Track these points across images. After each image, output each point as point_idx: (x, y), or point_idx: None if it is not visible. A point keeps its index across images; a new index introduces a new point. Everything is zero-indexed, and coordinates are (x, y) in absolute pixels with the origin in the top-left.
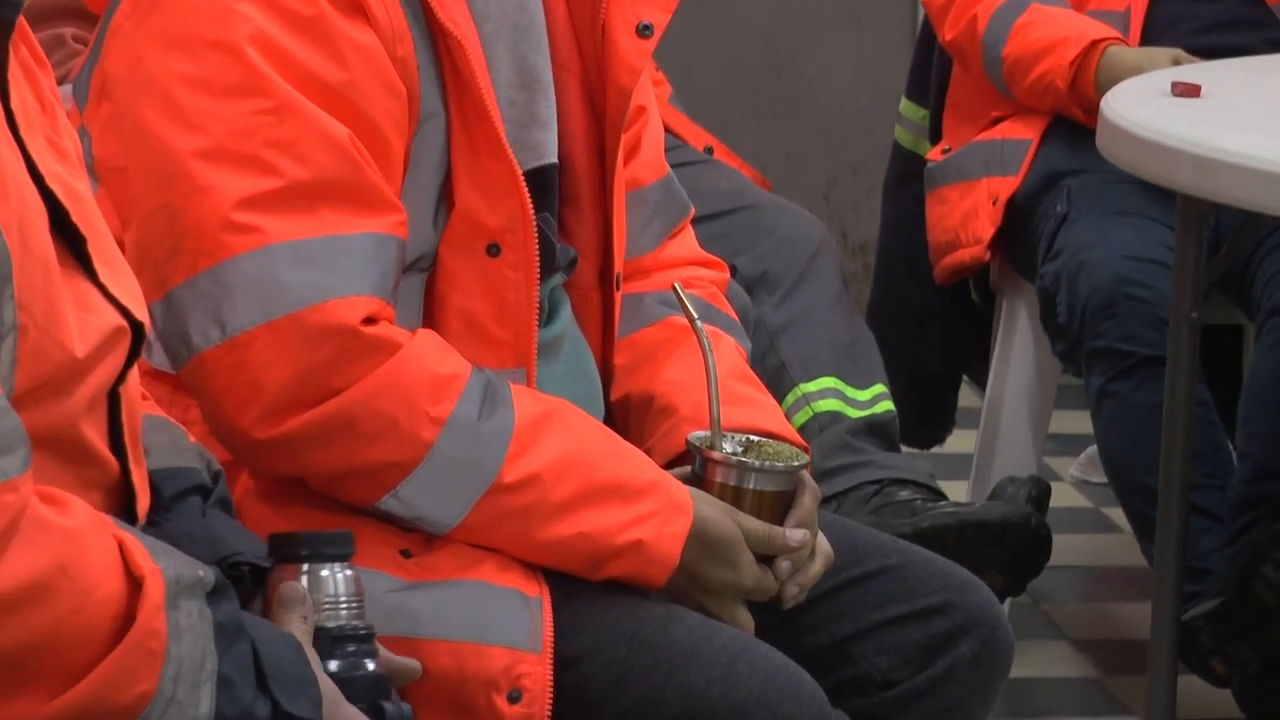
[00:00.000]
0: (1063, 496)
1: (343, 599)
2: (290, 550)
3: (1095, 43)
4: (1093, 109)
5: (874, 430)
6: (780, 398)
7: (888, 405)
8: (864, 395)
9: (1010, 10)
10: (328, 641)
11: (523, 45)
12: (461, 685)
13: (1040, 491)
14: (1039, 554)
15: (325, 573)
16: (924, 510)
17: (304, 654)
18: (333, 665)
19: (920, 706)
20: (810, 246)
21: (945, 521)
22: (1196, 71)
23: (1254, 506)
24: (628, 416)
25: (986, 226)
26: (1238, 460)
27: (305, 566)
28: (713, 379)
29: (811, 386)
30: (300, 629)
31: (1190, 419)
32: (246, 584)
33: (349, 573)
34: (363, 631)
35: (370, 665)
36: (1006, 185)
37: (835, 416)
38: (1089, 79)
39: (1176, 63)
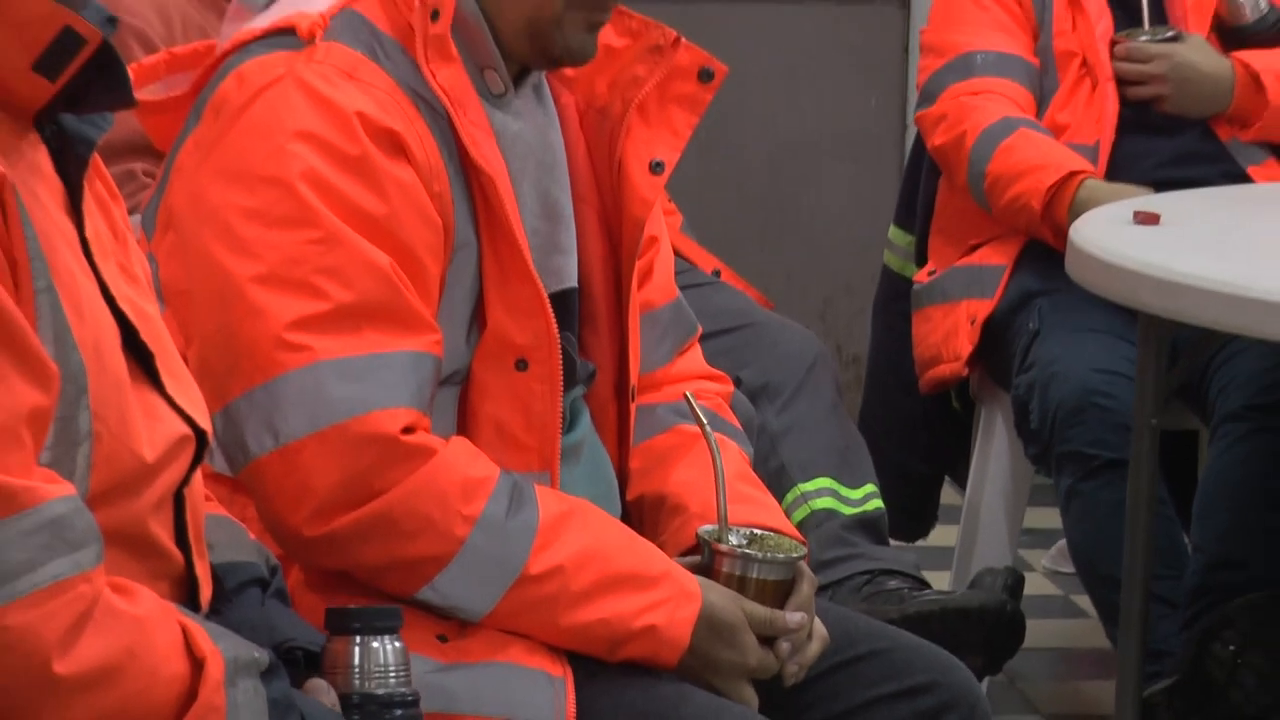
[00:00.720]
0: (1036, 585)
1: (392, 668)
2: (344, 623)
3: (1074, 173)
4: (1061, 232)
5: (865, 526)
6: (781, 496)
7: (878, 503)
8: (856, 494)
9: (999, 131)
10: (376, 706)
11: (546, 180)
12: None
13: (1015, 581)
14: (1014, 637)
15: (376, 644)
16: (910, 598)
17: None
18: None
19: None
20: (808, 360)
21: (929, 608)
22: (1157, 201)
23: (1207, 594)
24: (642, 514)
25: (965, 344)
26: (1193, 552)
27: (358, 638)
28: (720, 479)
29: (809, 486)
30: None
31: (1151, 516)
32: (300, 666)
33: (398, 644)
34: (409, 698)
35: None
36: (984, 307)
37: (830, 513)
38: (1063, 206)
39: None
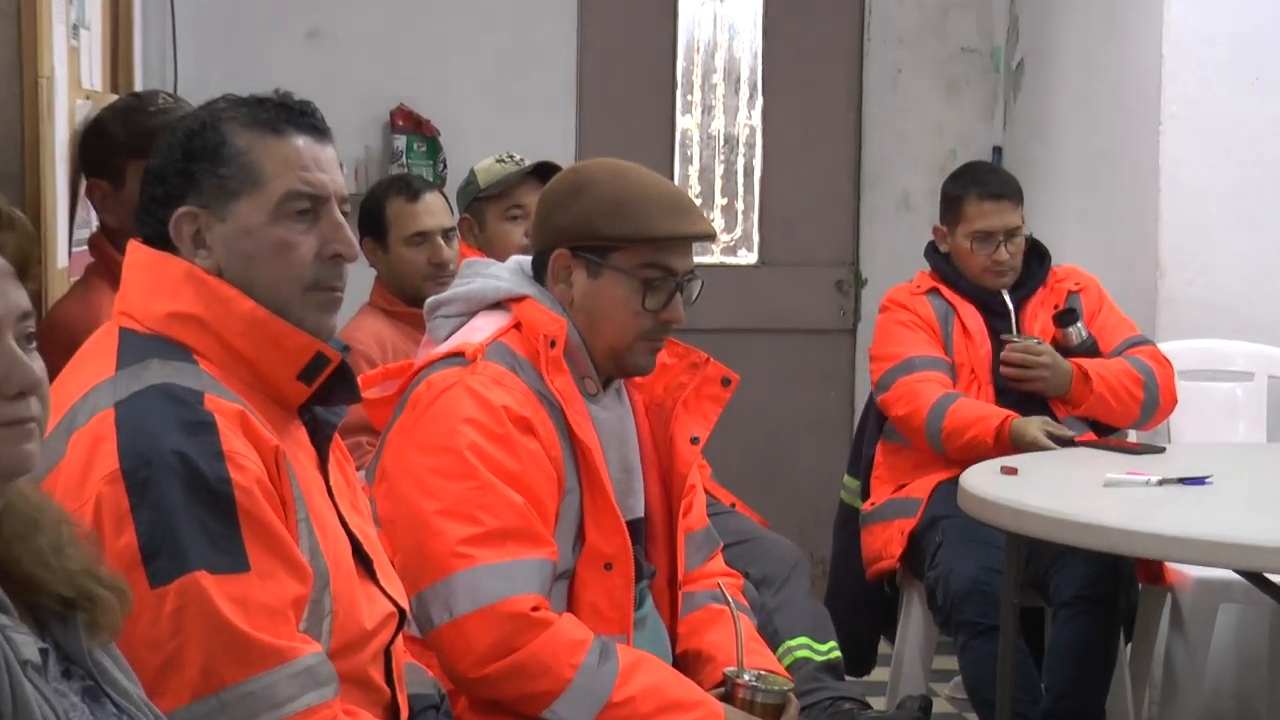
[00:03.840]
0: (940, 707)
1: None
2: None
3: (1008, 417)
4: (1006, 450)
5: (830, 668)
6: (775, 649)
7: (837, 654)
8: (824, 648)
9: (945, 403)
10: None
11: (624, 448)
12: None
13: (927, 704)
14: None
15: None
16: (859, 716)
17: None
18: None
19: None
20: (792, 562)
21: None
22: (1015, 460)
23: (1054, 717)
24: (686, 663)
25: (898, 547)
26: (1045, 690)
27: None
28: (740, 637)
29: (793, 643)
30: None
31: (1015, 663)
32: None
33: None
34: None
35: None
36: (910, 523)
37: (807, 660)
38: (1006, 436)
39: (1045, 427)
